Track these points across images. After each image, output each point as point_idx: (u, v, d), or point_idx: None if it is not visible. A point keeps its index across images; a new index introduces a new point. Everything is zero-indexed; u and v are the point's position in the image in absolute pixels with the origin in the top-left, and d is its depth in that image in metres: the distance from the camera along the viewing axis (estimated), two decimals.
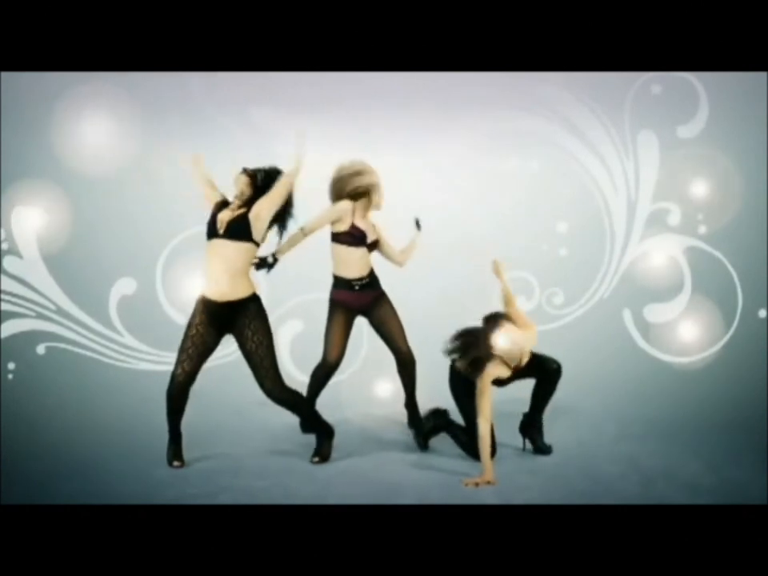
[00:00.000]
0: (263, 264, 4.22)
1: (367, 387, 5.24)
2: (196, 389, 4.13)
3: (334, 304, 4.56)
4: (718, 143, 5.61)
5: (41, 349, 5.24)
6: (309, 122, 5.12)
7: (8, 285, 5.13)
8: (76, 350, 5.34)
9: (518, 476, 4.03)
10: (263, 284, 4.55)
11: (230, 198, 4.16)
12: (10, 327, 5.14)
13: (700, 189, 5.67)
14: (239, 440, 4.54)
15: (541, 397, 4.29)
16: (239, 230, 4.03)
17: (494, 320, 4.15)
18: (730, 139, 5.59)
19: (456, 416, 4.38)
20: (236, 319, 4.06)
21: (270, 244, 4.22)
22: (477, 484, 3.87)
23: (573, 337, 5.62)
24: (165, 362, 5.20)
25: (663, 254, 5.72)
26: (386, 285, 4.64)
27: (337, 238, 4.50)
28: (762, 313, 5.44)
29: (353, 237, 4.47)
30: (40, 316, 5.27)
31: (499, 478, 3.91)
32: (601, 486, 3.87)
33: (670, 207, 5.71)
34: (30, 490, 3.76)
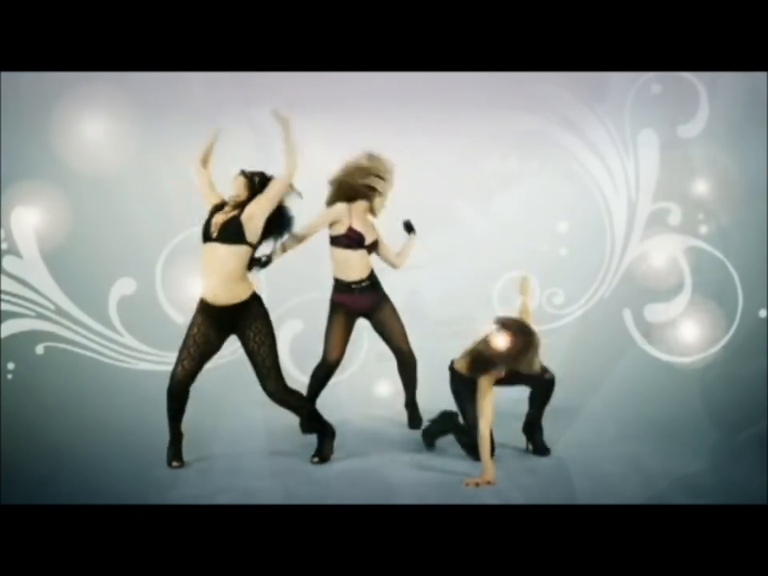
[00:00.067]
0: (256, 263, 4.20)
1: (367, 387, 5.24)
2: (196, 389, 4.12)
3: (335, 306, 4.56)
4: (718, 143, 5.61)
5: (40, 349, 5.24)
6: (308, 122, 5.14)
7: (8, 285, 5.13)
8: (75, 349, 5.33)
9: (518, 476, 4.02)
10: (263, 284, 4.55)
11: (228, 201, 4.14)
12: (10, 327, 5.14)
13: (700, 188, 5.66)
14: (238, 440, 4.53)
15: (537, 404, 4.29)
16: (232, 232, 3.98)
17: (504, 324, 4.08)
18: (730, 139, 5.59)
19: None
20: (237, 321, 4.05)
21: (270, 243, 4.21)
22: (477, 484, 3.87)
23: (573, 337, 5.61)
24: (164, 362, 5.20)
25: (663, 254, 5.71)
26: (386, 285, 4.64)
27: (335, 240, 4.50)
28: (763, 313, 5.43)
29: (350, 239, 4.46)
30: (39, 316, 5.26)
31: (499, 478, 3.91)
32: (601, 485, 3.87)
33: (671, 207, 5.70)
34: (30, 490, 3.76)
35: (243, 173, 4.10)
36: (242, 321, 4.05)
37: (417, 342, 4.64)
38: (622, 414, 4.96)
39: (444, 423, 4.38)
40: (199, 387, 4.14)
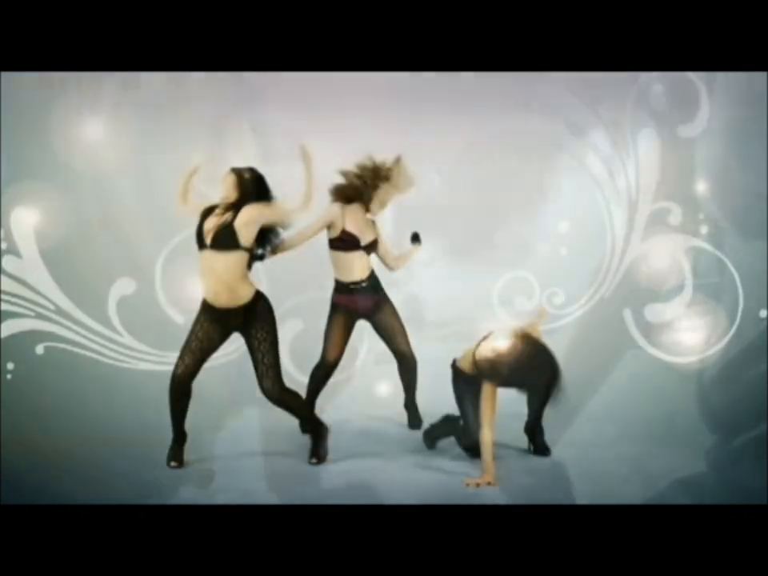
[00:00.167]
0: (252, 258, 4.17)
1: (367, 387, 5.24)
2: (196, 389, 4.13)
3: (334, 306, 4.57)
4: (718, 143, 5.60)
5: (40, 349, 5.23)
6: (308, 122, 5.15)
7: (7, 284, 5.12)
8: (75, 349, 5.33)
9: (518, 476, 4.02)
10: (264, 284, 4.55)
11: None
12: (10, 327, 5.13)
13: (701, 188, 5.65)
14: (238, 440, 4.54)
15: (535, 406, 4.28)
16: (226, 239, 3.95)
17: (525, 341, 4.04)
18: (731, 139, 5.58)
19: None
20: (241, 321, 4.06)
21: None
22: (477, 485, 3.87)
23: (573, 337, 5.61)
24: (164, 361, 5.19)
25: (664, 254, 5.70)
26: (386, 285, 4.64)
27: (331, 243, 4.51)
28: (763, 313, 5.43)
29: (344, 242, 4.47)
30: (39, 316, 5.26)
31: (499, 478, 3.91)
32: (601, 485, 3.87)
33: (671, 207, 5.70)
34: (30, 490, 3.76)
35: (233, 171, 4.07)
36: (245, 321, 4.05)
37: (417, 343, 4.64)
38: (622, 414, 4.96)
39: (446, 426, 4.38)
40: (199, 387, 4.14)
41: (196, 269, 4.08)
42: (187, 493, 3.78)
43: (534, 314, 4.49)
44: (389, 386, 5.09)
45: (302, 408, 4.27)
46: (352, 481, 3.97)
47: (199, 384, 4.13)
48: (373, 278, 4.58)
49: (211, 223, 4.01)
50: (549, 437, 4.35)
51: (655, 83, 5.64)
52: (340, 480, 3.98)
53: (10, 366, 5.06)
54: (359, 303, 4.53)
